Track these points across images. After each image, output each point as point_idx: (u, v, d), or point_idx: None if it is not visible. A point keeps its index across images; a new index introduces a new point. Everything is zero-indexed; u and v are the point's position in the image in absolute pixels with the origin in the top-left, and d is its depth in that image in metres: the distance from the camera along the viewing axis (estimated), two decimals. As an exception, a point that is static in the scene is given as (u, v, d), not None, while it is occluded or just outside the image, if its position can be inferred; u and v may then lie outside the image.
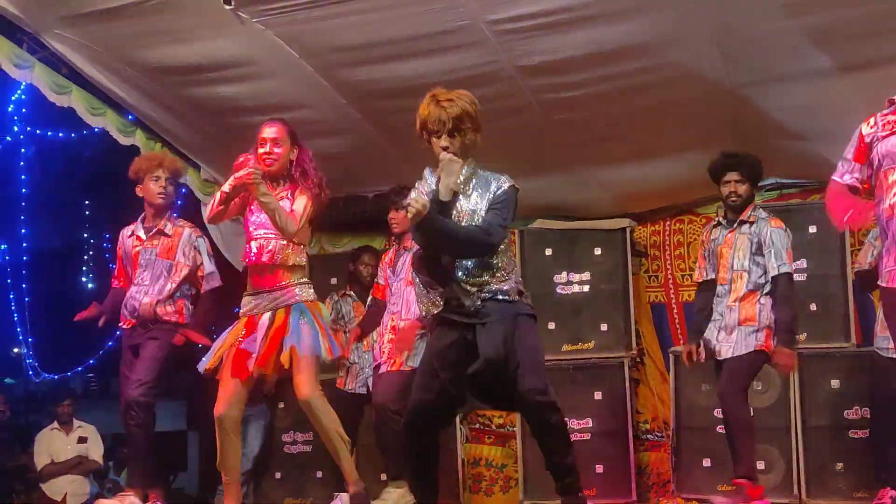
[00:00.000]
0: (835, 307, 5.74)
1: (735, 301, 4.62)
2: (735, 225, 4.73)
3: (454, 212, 3.48)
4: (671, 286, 6.65)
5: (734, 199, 4.70)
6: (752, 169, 4.73)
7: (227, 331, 4.25)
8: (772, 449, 5.58)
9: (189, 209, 6.80)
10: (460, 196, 3.50)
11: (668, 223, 6.71)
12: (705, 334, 4.73)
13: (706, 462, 5.78)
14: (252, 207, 4.24)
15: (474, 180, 3.54)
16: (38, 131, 6.58)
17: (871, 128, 3.52)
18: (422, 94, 5.30)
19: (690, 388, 5.97)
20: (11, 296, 8.13)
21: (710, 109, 5.33)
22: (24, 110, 6.17)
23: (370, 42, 4.86)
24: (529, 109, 5.33)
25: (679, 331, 6.56)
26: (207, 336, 4.83)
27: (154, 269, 4.82)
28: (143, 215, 4.93)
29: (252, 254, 4.19)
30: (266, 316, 4.15)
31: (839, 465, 5.46)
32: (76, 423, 7.21)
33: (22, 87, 5.68)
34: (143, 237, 4.88)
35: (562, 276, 6.30)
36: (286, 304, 4.15)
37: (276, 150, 4.21)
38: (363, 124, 5.71)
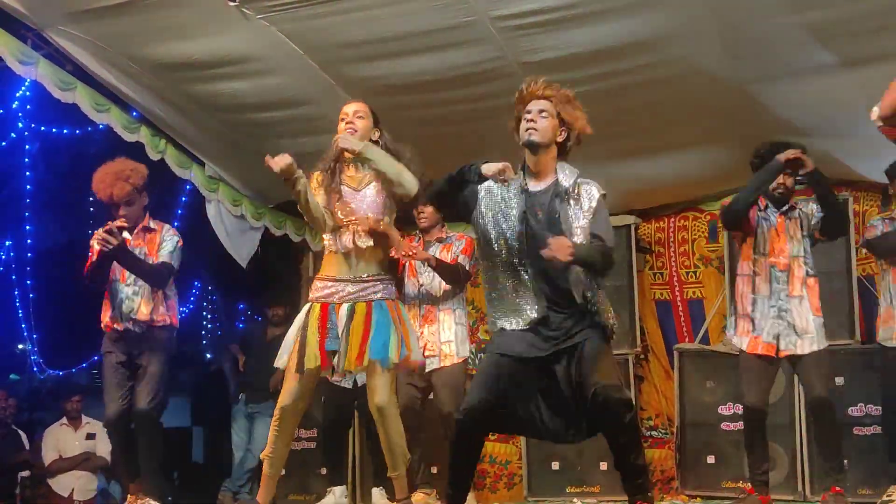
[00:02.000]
0: (839, 304, 5.74)
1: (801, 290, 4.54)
2: (785, 210, 4.64)
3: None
4: (676, 283, 6.64)
5: (781, 190, 4.60)
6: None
7: (297, 323, 3.98)
8: (776, 446, 5.57)
9: (194, 205, 6.81)
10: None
11: (672, 220, 6.71)
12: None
13: (710, 459, 5.79)
14: (338, 193, 4.02)
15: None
16: (42, 128, 6.56)
17: None
18: (426, 90, 5.35)
19: (695, 384, 5.97)
20: (16, 292, 8.13)
21: (715, 105, 5.32)
22: (28, 107, 6.15)
23: (374, 38, 4.86)
24: (534, 106, 5.32)
25: (684, 328, 6.55)
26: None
27: None
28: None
29: (342, 242, 3.96)
30: (344, 308, 3.91)
31: (844, 462, 5.44)
32: (84, 419, 7.23)
33: (26, 83, 5.66)
34: (129, 237, 4.84)
35: (566, 273, 6.30)
36: (367, 299, 3.92)
37: (357, 120, 4.04)
38: (367, 121, 5.69)
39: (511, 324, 3.43)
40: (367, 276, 3.95)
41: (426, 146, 5.95)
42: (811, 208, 4.63)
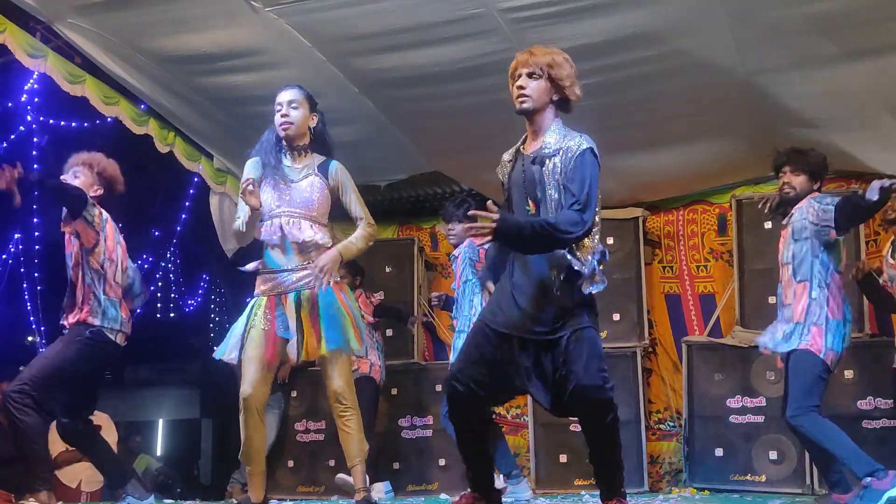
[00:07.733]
0: (849, 297, 5.70)
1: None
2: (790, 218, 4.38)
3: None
4: (686, 277, 6.63)
5: (787, 190, 4.34)
6: (807, 159, 4.38)
7: (245, 314, 3.98)
8: (784, 440, 5.58)
9: (202, 198, 6.82)
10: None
11: (681, 213, 6.70)
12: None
13: (718, 452, 5.79)
14: (270, 184, 4.00)
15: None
16: (51, 121, 6.58)
17: None
18: (435, 82, 5.34)
19: (703, 377, 5.97)
20: (25, 284, 8.15)
21: (724, 97, 5.31)
22: (37, 100, 6.16)
23: (383, 31, 4.85)
24: (542, 98, 5.32)
25: (695, 322, 6.54)
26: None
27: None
28: None
29: (274, 232, 3.93)
30: (291, 297, 3.90)
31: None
32: (90, 411, 7.24)
33: (35, 76, 5.68)
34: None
35: (574, 266, 6.30)
36: (311, 286, 3.87)
37: (293, 112, 3.99)
38: (375, 113, 5.70)
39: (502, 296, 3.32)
40: (309, 264, 3.91)
41: (435, 138, 5.99)
42: (815, 207, 4.26)
